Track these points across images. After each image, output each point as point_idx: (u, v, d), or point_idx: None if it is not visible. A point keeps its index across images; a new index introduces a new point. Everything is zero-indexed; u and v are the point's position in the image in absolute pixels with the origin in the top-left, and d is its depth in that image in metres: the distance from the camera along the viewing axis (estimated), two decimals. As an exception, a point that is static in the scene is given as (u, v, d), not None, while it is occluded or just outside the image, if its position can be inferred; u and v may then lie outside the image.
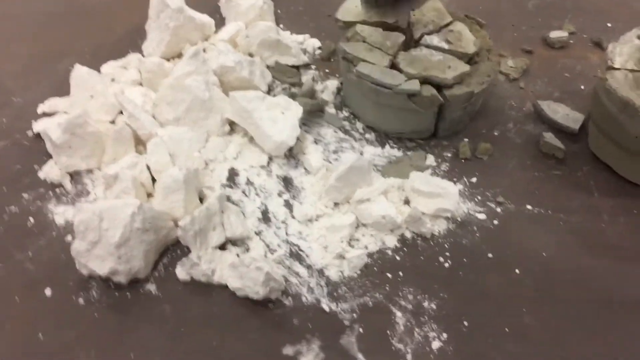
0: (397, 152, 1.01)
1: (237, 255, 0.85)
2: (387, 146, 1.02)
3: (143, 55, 1.11)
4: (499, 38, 1.22)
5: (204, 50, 1.12)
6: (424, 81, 0.95)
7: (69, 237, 0.87)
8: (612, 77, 0.94)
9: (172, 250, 0.87)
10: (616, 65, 0.95)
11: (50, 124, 0.92)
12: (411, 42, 1.03)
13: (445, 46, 0.99)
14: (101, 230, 0.79)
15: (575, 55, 1.18)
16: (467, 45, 1.00)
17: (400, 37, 1.01)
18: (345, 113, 1.07)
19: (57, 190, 0.93)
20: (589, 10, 1.31)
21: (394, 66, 0.98)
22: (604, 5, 1.33)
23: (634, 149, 0.92)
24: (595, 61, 1.17)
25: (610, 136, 0.95)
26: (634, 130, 0.90)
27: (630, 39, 0.99)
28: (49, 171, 0.93)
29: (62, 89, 1.04)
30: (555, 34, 1.21)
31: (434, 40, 1.00)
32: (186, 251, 0.86)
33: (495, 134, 1.05)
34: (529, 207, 0.94)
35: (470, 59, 1.00)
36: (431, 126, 1.01)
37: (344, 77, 1.04)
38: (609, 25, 1.27)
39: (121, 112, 1.00)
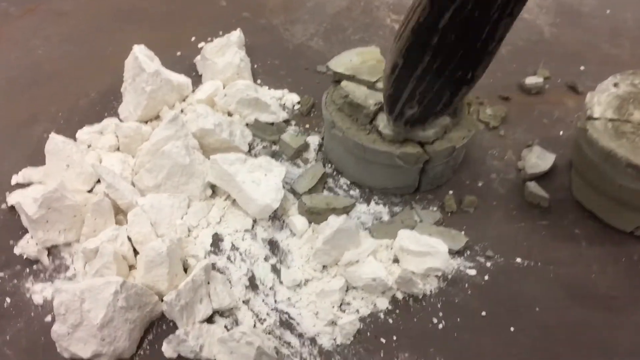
0: (382, 208, 0.99)
1: (226, 327, 0.83)
2: (373, 202, 1.00)
3: (119, 119, 1.09)
4: (476, 85, 1.23)
5: (182, 112, 1.10)
6: (405, 139, 0.95)
7: (48, 317, 0.83)
8: (592, 127, 0.94)
9: (158, 325, 0.84)
10: (595, 115, 0.96)
11: (25, 197, 0.89)
12: None
13: None
14: (83, 311, 0.76)
15: (551, 101, 1.20)
16: None
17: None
18: (328, 169, 1.06)
19: (34, 266, 0.89)
20: (562, 54, 1.33)
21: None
22: (575, 49, 1.35)
23: (618, 197, 0.93)
24: (572, 106, 1.18)
25: (593, 185, 0.96)
26: (618, 179, 0.90)
27: (607, 87, 1.00)
28: (25, 246, 0.90)
29: (37, 157, 1.01)
30: (530, 80, 1.22)
31: None
32: (172, 325, 0.83)
33: (479, 184, 1.04)
34: (518, 260, 0.93)
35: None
36: (415, 182, 1.00)
37: (327, 133, 1.03)
38: (582, 68, 1.29)
39: (99, 181, 0.97)
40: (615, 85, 1.01)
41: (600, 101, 0.98)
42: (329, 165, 1.07)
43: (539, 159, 1.05)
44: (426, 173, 0.99)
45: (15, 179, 0.99)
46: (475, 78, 0.89)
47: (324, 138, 1.09)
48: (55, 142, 0.96)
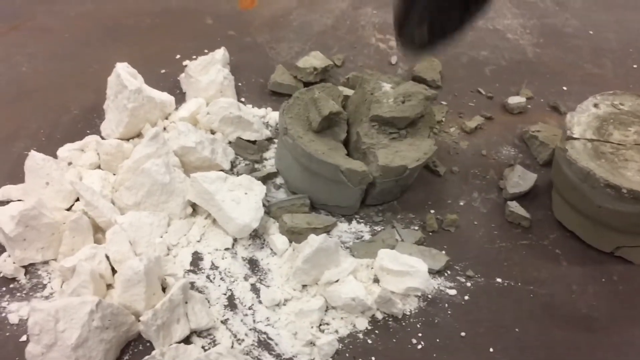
0: (363, 227, 0.99)
1: (203, 348, 0.82)
2: (354, 221, 1.00)
3: (101, 136, 1.09)
4: (459, 105, 1.24)
5: (165, 129, 1.10)
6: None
7: (23, 337, 0.82)
8: (572, 147, 0.95)
9: (134, 345, 0.83)
10: (575, 135, 0.97)
11: (3, 215, 0.88)
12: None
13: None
14: (57, 331, 0.75)
15: (533, 121, 1.20)
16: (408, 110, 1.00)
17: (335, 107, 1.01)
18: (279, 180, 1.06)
19: (11, 285, 0.88)
20: (544, 73, 1.34)
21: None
22: (558, 69, 1.36)
23: (598, 218, 0.93)
24: (554, 125, 1.19)
25: (573, 205, 0.96)
26: (597, 200, 0.91)
27: (587, 107, 1.01)
28: (2, 265, 0.89)
29: (17, 175, 1.00)
30: (513, 100, 1.23)
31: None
32: (148, 346, 0.82)
33: (461, 203, 1.05)
34: (498, 280, 0.93)
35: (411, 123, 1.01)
36: (356, 204, 1.00)
37: (279, 140, 1.04)
38: (565, 88, 1.30)
39: (79, 199, 0.96)
40: (595, 105, 1.02)
41: (580, 121, 0.99)
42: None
43: (520, 179, 1.06)
44: (374, 186, 0.98)
45: (-6, 196, 0.98)
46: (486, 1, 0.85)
47: (276, 147, 1.10)
48: (35, 159, 0.95)
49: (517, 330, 0.87)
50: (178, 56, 1.32)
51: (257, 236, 0.96)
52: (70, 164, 1.02)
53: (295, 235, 0.94)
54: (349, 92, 1.20)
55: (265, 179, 1.04)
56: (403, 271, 0.87)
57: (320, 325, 0.86)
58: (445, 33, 0.89)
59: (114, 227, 0.89)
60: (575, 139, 0.96)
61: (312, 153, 0.94)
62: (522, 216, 1.00)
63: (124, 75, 1.05)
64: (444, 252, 0.95)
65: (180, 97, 1.20)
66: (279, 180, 1.06)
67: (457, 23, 0.88)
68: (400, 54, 0.97)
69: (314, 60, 1.26)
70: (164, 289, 0.87)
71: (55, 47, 1.33)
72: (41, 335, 0.75)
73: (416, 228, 1.00)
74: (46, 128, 1.12)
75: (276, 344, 0.83)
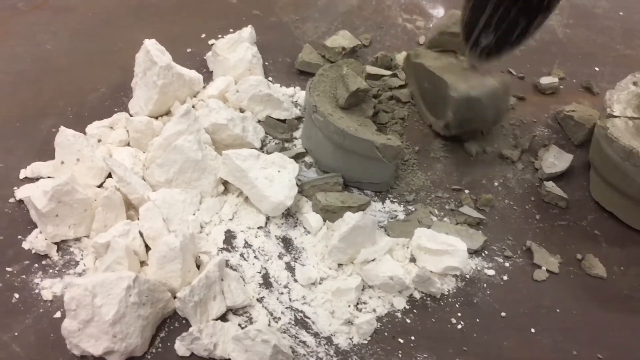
0: (397, 207, 0.98)
1: (240, 326, 0.81)
2: (388, 201, 0.99)
3: (130, 114, 1.07)
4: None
5: (194, 107, 1.08)
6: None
7: (57, 314, 0.81)
8: (613, 125, 0.93)
9: (170, 322, 0.81)
10: (615, 113, 0.94)
11: (35, 190, 0.87)
12: None
13: None
14: (94, 307, 0.73)
15: (566, 101, 1.18)
16: None
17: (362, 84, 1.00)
18: (308, 159, 1.05)
19: (44, 261, 0.87)
20: (576, 54, 1.32)
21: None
22: (590, 49, 1.34)
23: (639, 197, 0.91)
24: (588, 106, 1.17)
25: (613, 185, 0.94)
26: (639, 179, 0.89)
27: (626, 85, 0.99)
28: (34, 241, 0.87)
29: (45, 152, 0.99)
30: (545, 80, 1.21)
31: None
32: (184, 323, 0.81)
33: (495, 184, 1.03)
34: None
35: None
36: (391, 180, 0.99)
37: (307, 119, 1.02)
38: (597, 69, 1.28)
39: (110, 176, 0.95)
40: (635, 83, 1.00)
41: (620, 99, 0.97)
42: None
43: (556, 159, 1.04)
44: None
45: (23, 173, 0.97)
46: (551, 6, 0.87)
47: (303, 126, 1.09)
48: (65, 135, 0.94)
49: (558, 311, 0.85)
50: (203, 35, 1.30)
51: (290, 215, 0.95)
52: (99, 141, 1.01)
53: (329, 213, 0.93)
54: (377, 71, 1.19)
55: (296, 158, 1.02)
56: (441, 250, 0.86)
57: (358, 304, 0.84)
58: (512, 40, 0.91)
59: (147, 203, 0.88)
60: (615, 116, 0.94)
61: (344, 129, 0.93)
62: (560, 196, 0.98)
63: (153, 52, 1.03)
64: (480, 232, 0.94)
65: (207, 76, 1.18)
66: (309, 159, 1.04)
67: (524, 29, 0.89)
68: (469, 61, 0.99)
69: (342, 39, 1.24)
70: (198, 267, 0.86)
71: (79, 26, 1.31)
72: (78, 311, 0.74)
73: (450, 208, 0.98)
74: (73, 106, 1.10)
75: (313, 323, 0.82)
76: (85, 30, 1.30)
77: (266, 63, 1.23)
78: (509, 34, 0.90)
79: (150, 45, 1.05)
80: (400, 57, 1.23)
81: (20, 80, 1.16)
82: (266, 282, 0.86)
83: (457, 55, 1.07)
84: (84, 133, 1.01)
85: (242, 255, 0.89)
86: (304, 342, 0.80)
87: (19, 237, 0.89)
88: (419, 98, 1.11)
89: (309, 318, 0.82)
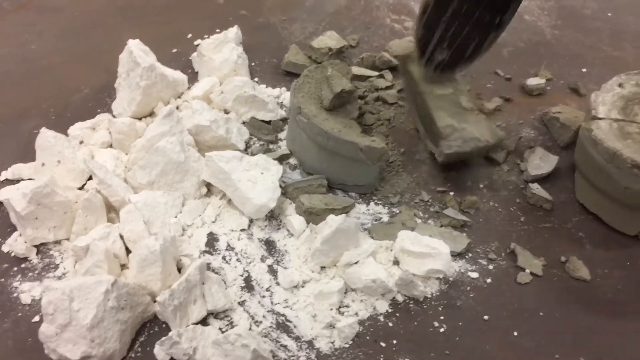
0: (382, 209, 0.97)
1: (221, 330, 0.80)
2: (372, 203, 0.98)
3: (113, 115, 1.06)
4: (477, 86, 1.21)
5: (178, 108, 1.08)
6: None
7: (36, 318, 0.80)
8: (598, 127, 0.92)
9: (150, 326, 0.81)
10: (600, 115, 0.94)
11: (14, 193, 0.86)
12: None
13: None
14: (72, 311, 0.73)
15: (553, 102, 1.17)
16: None
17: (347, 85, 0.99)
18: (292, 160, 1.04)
19: (23, 264, 0.86)
20: (563, 55, 1.31)
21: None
22: (577, 51, 1.33)
23: (623, 199, 0.91)
24: (574, 107, 1.16)
25: (598, 187, 0.94)
26: (623, 181, 0.88)
27: (611, 87, 0.99)
28: (14, 244, 0.87)
29: (27, 154, 0.98)
30: (532, 82, 1.20)
31: None
32: (164, 327, 0.80)
33: (481, 186, 1.02)
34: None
35: None
36: (375, 182, 0.99)
37: (291, 120, 1.01)
38: (584, 70, 1.27)
39: (91, 178, 0.94)
40: (620, 85, 0.99)
41: (605, 101, 0.96)
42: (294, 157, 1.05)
43: (541, 161, 1.03)
44: None
45: (4, 175, 0.96)
46: (503, 24, 0.91)
47: (287, 127, 1.08)
48: (46, 137, 0.93)
49: (541, 314, 0.84)
50: (189, 35, 1.30)
51: (273, 217, 0.94)
52: (81, 142, 1.00)
53: (313, 216, 0.92)
54: (363, 71, 1.18)
55: (281, 160, 1.01)
56: (424, 253, 0.85)
57: (340, 307, 0.84)
58: (465, 55, 0.93)
59: (128, 206, 0.87)
60: (600, 119, 0.94)
61: (328, 131, 0.92)
62: (544, 198, 0.98)
63: (137, 52, 1.03)
64: (464, 234, 0.93)
65: (192, 77, 1.17)
66: (294, 160, 1.04)
67: (477, 46, 0.92)
68: (422, 74, 1.01)
69: (329, 40, 1.24)
70: (179, 270, 0.85)
71: (64, 26, 1.30)
72: (55, 315, 0.73)
73: (435, 210, 0.97)
74: (56, 107, 1.10)
75: (295, 326, 0.81)
76: (70, 31, 1.30)
77: (252, 64, 1.23)
78: (463, 49, 0.93)
79: (134, 46, 1.04)
80: (394, 47, 1.22)
81: (3, 81, 1.15)
82: (248, 285, 0.86)
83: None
84: (67, 134, 1.01)
85: (224, 258, 0.89)
86: (285, 346, 0.79)
87: (-1, 239, 0.88)
88: (411, 102, 1.10)
89: (290, 322, 0.82)
